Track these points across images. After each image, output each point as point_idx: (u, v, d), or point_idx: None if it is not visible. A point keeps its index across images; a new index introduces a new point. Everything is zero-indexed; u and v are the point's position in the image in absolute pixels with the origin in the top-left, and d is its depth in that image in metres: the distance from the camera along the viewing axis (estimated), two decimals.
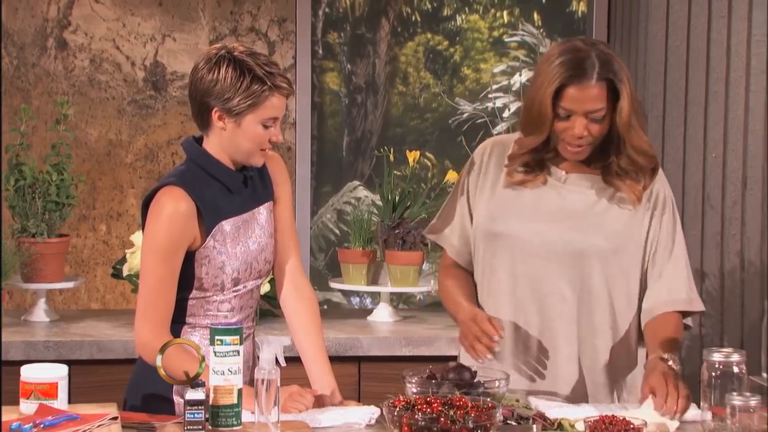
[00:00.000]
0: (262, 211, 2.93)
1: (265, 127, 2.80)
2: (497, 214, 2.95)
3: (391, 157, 4.19)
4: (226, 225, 2.84)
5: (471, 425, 2.40)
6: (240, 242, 2.86)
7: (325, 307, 5.04)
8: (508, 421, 2.64)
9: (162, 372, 2.56)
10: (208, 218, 2.81)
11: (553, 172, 2.95)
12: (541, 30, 5.19)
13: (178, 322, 2.85)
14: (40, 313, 4.09)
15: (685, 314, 2.98)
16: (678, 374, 2.79)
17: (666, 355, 2.82)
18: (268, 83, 2.77)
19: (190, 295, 2.85)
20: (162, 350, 2.57)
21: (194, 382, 2.51)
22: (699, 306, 2.96)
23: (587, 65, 2.81)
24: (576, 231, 2.89)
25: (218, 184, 2.85)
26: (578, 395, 2.93)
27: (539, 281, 2.90)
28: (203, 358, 2.55)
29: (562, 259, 2.89)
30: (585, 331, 2.92)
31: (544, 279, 2.89)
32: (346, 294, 5.16)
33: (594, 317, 2.92)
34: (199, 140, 2.89)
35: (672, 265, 2.95)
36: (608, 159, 2.91)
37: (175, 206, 2.77)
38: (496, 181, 2.98)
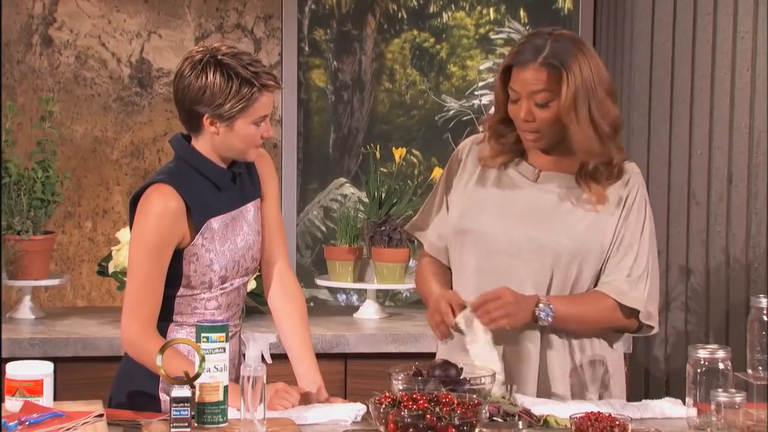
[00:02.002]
0: (250, 209, 2.93)
1: (257, 125, 2.81)
2: (467, 210, 2.96)
3: (378, 154, 4.19)
4: (215, 223, 2.84)
5: (457, 422, 2.40)
6: (228, 240, 2.86)
7: (312, 304, 5.04)
8: (494, 418, 2.64)
9: (162, 372, 2.55)
10: (197, 216, 2.81)
11: (527, 168, 2.96)
12: (527, 27, 5.19)
13: (165, 320, 2.85)
14: (25, 311, 4.08)
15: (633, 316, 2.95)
16: (525, 306, 2.82)
17: (545, 299, 2.85)
18: (257, 84, 2.76)
19: (178, 293, 2.84)
20: (162, 350, 2.56)
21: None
22: (633, 302, 2.90)
23: (536, 49, 2.82)
24: (540, 229, 2.90)
25: (207, 182, 2.84)
26: (539, 392, 2.92)
27: (504, 277, 2.90)
28: (203, 358, 2.54)
29: (526, 255, 2.89)
30: (546, 327, 2.92)
31: (509, 275, 2.90)
32: (333, 291, 5.16)
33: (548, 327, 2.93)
34: (187, 137, 2.89)
35: (628, 260, 2.92)
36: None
37: (164, 204, 2.77)
38: (470, 178, 2.99)
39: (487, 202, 2.95)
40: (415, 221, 3.12)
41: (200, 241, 2.81)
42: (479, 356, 2.80)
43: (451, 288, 2.99)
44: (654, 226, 2.98)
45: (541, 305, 2.85)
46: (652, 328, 2.95)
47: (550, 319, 2.85)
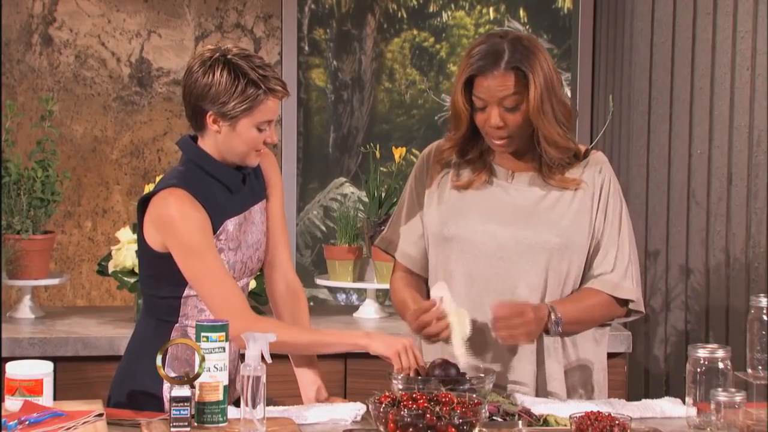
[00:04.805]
0: (257, 210, 2.93)
1: (260, 129, 2.80)
2: (448, 217, 2.95)
3: (377, 154, 4.19)
4: (230, 224, 2.84)
5: (457, 421, 2.41)
6: (240, 241, 2.86)
7: (312, 303, 5.03)
8: (494, 418, 2.65)
9: (162, 372, 2.55)
10: (214, 218, 2.80)
11: (499, 172, 2.96)
12: (527, 27, 5.19)
13: (170, 321, 2.85)
14: (25, 310, 4.08)
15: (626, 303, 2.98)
16: (541, 322, 2.82)
17: (553, 307, 2.84)
18: (263, 87, 2.76)
19: (184, 294, 2.83)
20: (162, 350, 2.56)
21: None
22: (627, 294, 2.93)
23: (497, 55, 2.82)
24: (526, 229, 2.90)
25: (218, 185, 2.84)
26: (536, 393, 2.92)
27: (495, 282, 2.90)
28: (203, 358, 2.54)
29: (516, 257, 2.89)
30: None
31: (500, 279, 2.90)
32: (333, 290, 5.16)
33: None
34: (194, 138, 2.88)
35: (612, 252, 2.94)
36: (540, 154, 2.93)
37: (181, 207, 2.75)
38: (444, 184, 2.98)
39: (467, 208, 2.94)
40: (384, 235, 3.08)
41: (215, 243, 2.81)
42: (454, 328, 2.79)
43: (426, 297, 2.98)
44: (628, 211, 3.01)
45: (552, 317, 2.85)
46: (641, 312, 2.99)
47: (560, 329, 2.87)
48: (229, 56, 2.77)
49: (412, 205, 3.03)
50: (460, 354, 2.78)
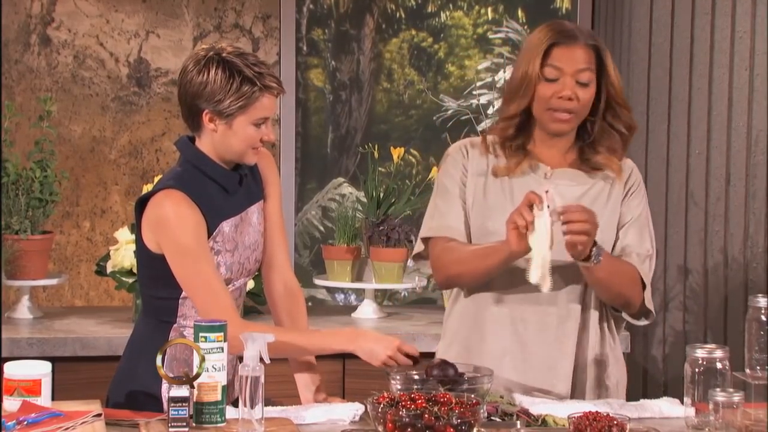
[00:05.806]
0: (255, 210, 2.93)
1: (257, 126, 2.80)
2: (491, 211, 2.94)
3: (376, 154, 4.19)
4: (226, 226, 2.83)
5: (455, 422, 2.41)
6: (237, 242, 2.86)
7: (310, 303, 5.03)
8: (493, 418, 2.65)
9: (162, 372, 2.55)
10: (210, 220, 2.80)
11: (539, 167, 2.96)
12: (526, 26, 5.19)
13: (168, 321, 2.84)
14: (23, 310, 4.08)
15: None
16: (590, 245, 2.77)
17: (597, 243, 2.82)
18: (258, 84, 2.76)
19: (181, 294, 2.83)
20: (162, 350, 2.56)
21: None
22: (645, 277, 2.94)
23: (575, 31, 2.90)
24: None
25: (215, 186, 2.84)
26: (572, 392, 2.92)
27: None
28: (203, 358, 2.54)
29: (557, 251, 2.87)
30: (579, 324, 2.93)
31: None
32: (331, 291, 5.16)
33: (588, 312, 2.93)
34: (192, 139, 2.88)
35: (645, 239, 2.97)
36: (583, 141, 2.96)
37: (177, 209, 2.75)
38: (483, 176, 2.98)
39: (509, 202, 2.92)
40: (431, 225, 3.01)
41: (211, 245, 2.81)
42: (537, 235, 2.74)
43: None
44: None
45: (595, 247, 2.80)
46: (650, 315, 2.98)
47: (597, 263, 2.81)
48: (223, 54, 2.77)
49: (456, 190, 2.99)
50: (537, 278, 2.72)
